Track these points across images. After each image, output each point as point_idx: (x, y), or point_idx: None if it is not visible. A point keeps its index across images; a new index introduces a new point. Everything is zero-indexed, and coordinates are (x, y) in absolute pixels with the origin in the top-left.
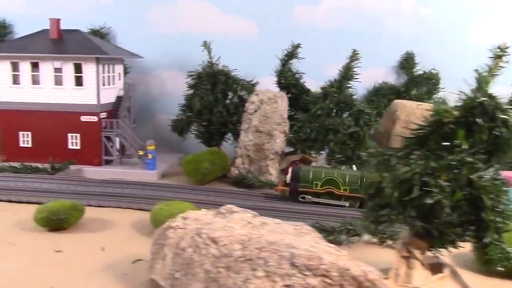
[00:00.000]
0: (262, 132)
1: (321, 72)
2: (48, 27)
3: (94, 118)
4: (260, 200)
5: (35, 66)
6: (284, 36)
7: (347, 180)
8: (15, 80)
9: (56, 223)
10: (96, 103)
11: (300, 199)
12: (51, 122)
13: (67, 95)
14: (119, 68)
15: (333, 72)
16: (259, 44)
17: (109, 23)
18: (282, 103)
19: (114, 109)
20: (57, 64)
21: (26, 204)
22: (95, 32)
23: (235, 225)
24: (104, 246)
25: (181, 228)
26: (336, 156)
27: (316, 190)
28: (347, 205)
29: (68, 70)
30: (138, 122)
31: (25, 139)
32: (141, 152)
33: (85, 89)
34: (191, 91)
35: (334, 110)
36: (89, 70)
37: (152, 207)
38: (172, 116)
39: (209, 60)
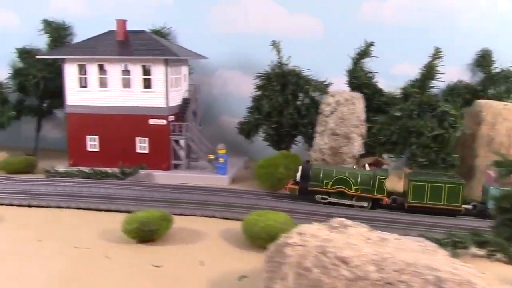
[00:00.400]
0: (339, 135)
1: (387, 71)
2: (111, 28)
3: (163, 122)
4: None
5: (102, 68)
6: (351, 34)
7: (359, 180)
8: (83, 83)
9: (146, 234)
10: (165, 106)
11: (317, 199)
12: (119, 126)
13: (135, 97)
14: (184, 70)
15: (401, 71)
16: (326, 42)
17: (170, 23)
18: (359, 104)
19: (180, 112)
20: (125, 66)
21: (106, 212)
22: (156, 33)
23: (357, 242)
24: (202, 260)
25: (300, 246)
26: (418, 160)
27: (326, 189)
28: (365, 205)
29: (136, 72)
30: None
31: (92, 143)
32: (211, 156)
33: (154, 92)
34: (259, 92)
35: (416, 112)
36: (158, 72)
37: (236, 215)
38: (234, 118)
39: (278, 60)
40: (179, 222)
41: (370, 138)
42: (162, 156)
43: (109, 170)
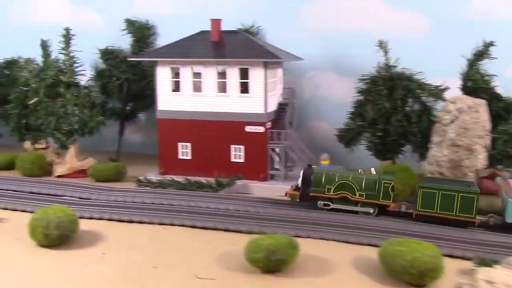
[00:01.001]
0: (460, 147)
1: (501, 72)
2: (196, 27)
3: (261, 129)
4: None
5: (196, 71)
6: (460, 32)
7: (363, 185)
8: (175, 87)
9: (273, 264)
10: (263, 112)
11: (318, 205)
12: (213, 133)
13: (231, 103)
14: (280, 72)
15: None
16: (431, 41)
17: (258, 21)
18: (484, 112)
19: (276, 118)
20: (221, 69)
21: (213, 230)
22: (245, 32)
23: None
24: None
25: None
26: None
27: (328, 195)
28: (371, 211)
29: (233, 75)
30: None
31: (184, 151)
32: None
33: (252, 97)
34: (362, 97)
35: None
36: (257, 75)
37: (374, 240)
38: (325, 122)
39: (386, 62)
40: (305, 246)
41: (496, 150)
42: (259, 165)
43: (203, 180)
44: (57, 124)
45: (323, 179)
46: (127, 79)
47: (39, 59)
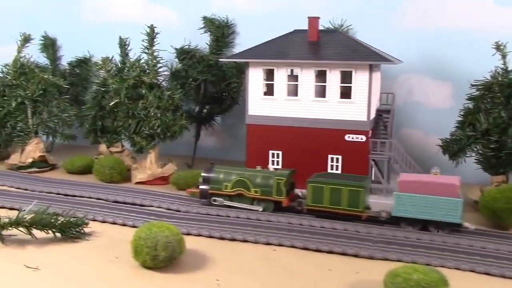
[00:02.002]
0: None
1: None
2: (280, 25)
3: (362, 138)
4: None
5: (291, 74)
6: None
7: (257, 181)
8: (268, 90)
9: None
10: (365, 119)
11: (212, 201)
12: (307, 141)
13: (330, 109)
14: (379, 75)
15: None
16: None
17: (349, 20)
18: None
19: (374, 126)
20: (321, 72)
21: (327, 254)
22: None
23: None
24: None
25: None
26: None
27: (226, 192)
28: (260, 209)
29: (333, 79)
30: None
31: (274, 160)
32: None
33: (353, 103)
34: (471, 105)
35: None
36: (361, 79)
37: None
38: (419, 130)
39: (503, 66)
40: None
41: None
42: None
43: (299, 192)
44: (137, 127)
45: (221, 176)
46: (205, 80)
47: (116, 58)
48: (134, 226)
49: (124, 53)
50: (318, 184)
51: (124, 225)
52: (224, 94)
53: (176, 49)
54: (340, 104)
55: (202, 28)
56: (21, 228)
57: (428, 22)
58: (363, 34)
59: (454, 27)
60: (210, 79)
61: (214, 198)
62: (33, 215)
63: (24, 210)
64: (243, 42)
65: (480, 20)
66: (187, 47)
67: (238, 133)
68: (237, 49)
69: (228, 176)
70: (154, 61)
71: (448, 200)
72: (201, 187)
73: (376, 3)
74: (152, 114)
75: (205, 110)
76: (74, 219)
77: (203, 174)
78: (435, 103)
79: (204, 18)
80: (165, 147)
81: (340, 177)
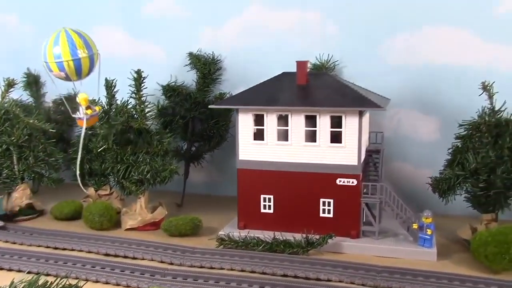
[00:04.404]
0: None
1: None
2: (265, 61)
3: (353, 181)
4: None
5: (281, 119)
6: None
7: None
8: (258, 135)
9: None
10: (356, 163)
11: None
12: (298, 185)
13: (321, 153)
14: (367, 116)
15: None
16: None
17: (335, 56)
18: None
19: (365, 167)
20: (311, 117)
21: None
22: (320, 67)
23: None
24: None
25: None
26: None
27: None
28: None
29: (324, 124)
30: None
31: (266, 204)
32: (415, 226)
33: (344, 147)
34: (461, 144)
35: None
36: (351, 124)
37: None
38: (409, 164)
39: (490, 106)
40: None
41: None
42: (351, 221)
43: (292, 238)
44: (126, 172)
45: None
46: (193, 118)
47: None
48: (128, 286)
49: (111, 95)
50: None
51: (117, 284)
52: (212, 131)
53: (162, 86)
54: (331, 149)
55: (188, 64)
56: None
57: (415, 57)
58: (351, 69)
59: (442, 63)
60: (198, 117)
61: None
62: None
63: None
64: (230, 78)
65: (468, 56)
66: (173, 84)
67: (228, 168)
68: (224, 85)
69: None
70: (142, 106)
71: None
72: None
73: (363, 39)
74: (141, 159)
75: (193, 148)
76: (68, 285)
77: None
78: (423, 136)
79: (190, 54)
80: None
81: None
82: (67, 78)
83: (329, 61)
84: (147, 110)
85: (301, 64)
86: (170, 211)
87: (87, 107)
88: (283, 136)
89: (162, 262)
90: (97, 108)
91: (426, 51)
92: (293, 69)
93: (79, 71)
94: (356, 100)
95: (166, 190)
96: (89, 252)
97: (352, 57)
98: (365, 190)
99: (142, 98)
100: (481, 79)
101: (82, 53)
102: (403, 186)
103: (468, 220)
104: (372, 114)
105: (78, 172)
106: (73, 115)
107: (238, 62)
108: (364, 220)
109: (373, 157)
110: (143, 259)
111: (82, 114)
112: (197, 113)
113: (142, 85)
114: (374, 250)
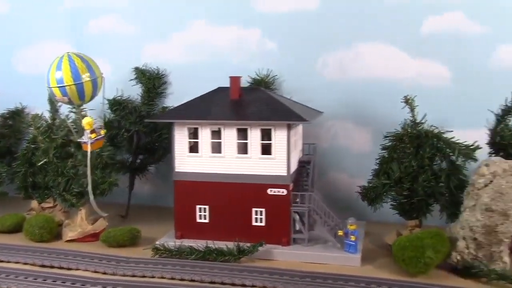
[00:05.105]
0: (494, 212)
1: None
2: (209, 75)
3: (283, 191)
4: None
5: (215, 132)
6: (485, 83)
7: None
8: (193, 148)
9: None
10: (285, 174)
11: None
12: (232, 195)
13: (252, 165)
14: (300, 128)
15: None
16: (455, 92)
17: (274, 70)
18: None
19: (297, 178)
20: (243, 130)
21: None
22: (260, 82)
23: None
24: None
25: None
26: None
27: None
28: None
29: (254, 137)
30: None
31: (202, 214)
32: (341, 233)
33: (274, 158)
34: (386, 154)
35: None
36: (280, 137)
37: None
38: (345, 174)
39: (412, 118)
40: None
41: None
42: (281, 229)
43: (224, 247)
44: (67, 185)
45: None
46: (137, 131)
47: (46, 114)
48: None
49: (54, 109)
50: None
51: None
52: (156, 144)
53: (108, 100)
54: (262, 160)
55: (134, 79)
56: None
57: (349, 73)
58: (290, 84)
59: (373, 78)
60: (143, 130)
61: None
62: None
63: None
64: (175, 92)
65: (396, 71)
66: (119, 97)
67: (172, 180)
68: (169, 99)
69: None
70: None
71: None
72: None
73: (300, 55)
74: (81, 172)
75: (138, 160)
76: None
77: None
78: (358, 147)
79: (136, 69)
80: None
81: None
82: (70, 102)
83: (269, 75)
84: None
85: (234, 80)
86: (114, 222)
87: (92, 131)
88: (217, 148)
89: (95, 272)
90: (102, 132)
91: (358, 66)
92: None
93: (82, 95)
94: (284, 113)
95: (112, 202)
96: (25, 263)
97: (290, 72)
98: (298, 199)
99: (82, 113)
100: (408, 92)
101: (85, 78)
102: (339, 195)
103: (398, 227)
104: (310, 126)
105: (92, 197)
106: (78, 140)
107: (182, 77)
108: (297, 228)
109: (306, 168)
110: (77, 269)
111: (86, 138)
112: (142, 127)
113: None
114: (303, 256)
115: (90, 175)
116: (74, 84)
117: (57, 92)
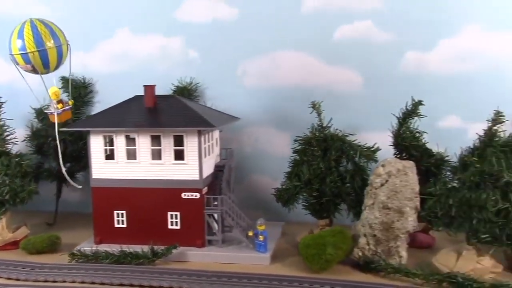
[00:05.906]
0: (390, 209)
1: (430, 125)
2: (133, 84)
3: (196, 195)
4: None
5: (130, 139)
6: (393, 88)
7: None
8: (109, 155)
9: None
10: (198, 178)
11: None
12: (148, 200)
13: (166, 170)
14: (216, 134)
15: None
16: (365, 96)
17: (197, 78)
18: (413, 175)
19: (213, 181)
20: (156, 136)
21: None
22: (183, 89)
23: None
24: None
25: None
26: (480, 236)
27: None
28: None
29: (167, 143)
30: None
31: (119, 219)
32: (251, 233)
33: (187, 164)
34: (298, 157)
35: (477, 183)
36: (191, 143)
37: None
38: (267, 177)
39: (319, 123)
40: None
41: (425, 211)
42: (196, 232)
43: (140, 250)
44: None
45: None
46: (64, 139)
47: None
48: None
49: None
50: None
51: None
52: (82, 152)
53: (35, 109)
54: (175, 166)
55: (61, 88)
56: None
57: (268, 80)
58: (212, 91)
59: (291, 85)
60: (69, 138)
61: None
62: None
63: None
64: (102, 100)
65: (313, 78)
66: (46, 107)
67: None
68: (96, 107)
69: None
70: (1, 130)
71: None
72: None
73: (222, 63)
74: (1, 181)
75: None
76: None
77: None
78: (278, 151)
79: (63, 78)
80: (28, 206)
81: None
82: (35, 71)
83: (192, 83)
84: (5, 134)
85: (148, 88)
86: (39, 230)
87: (59, 101)
88: (132, 155)
89: (9, 278)
90: (70, 102)
91: (277, 73)
92: (156, 92)
93: (46, 63)
94: (195, 120)
95: (41, 210)
96: None
97: (212, 80)
98: (215, 203)
99: (1, 123)
100: (323, 98)
101: (49, 44)
102: (261, 197)
103: (312, 226)
104: (232, 132)
105: (63, 169)
106: (45, 111)
107: (108, 85)
108: (214, 230)
109: (223, 172)
110: None
111: (53, 109)
112: (68, 135)
113: (1, 110)
114: (216, 257)
115: (60, 149)
116: (37, 50)
117: (20, 60)
